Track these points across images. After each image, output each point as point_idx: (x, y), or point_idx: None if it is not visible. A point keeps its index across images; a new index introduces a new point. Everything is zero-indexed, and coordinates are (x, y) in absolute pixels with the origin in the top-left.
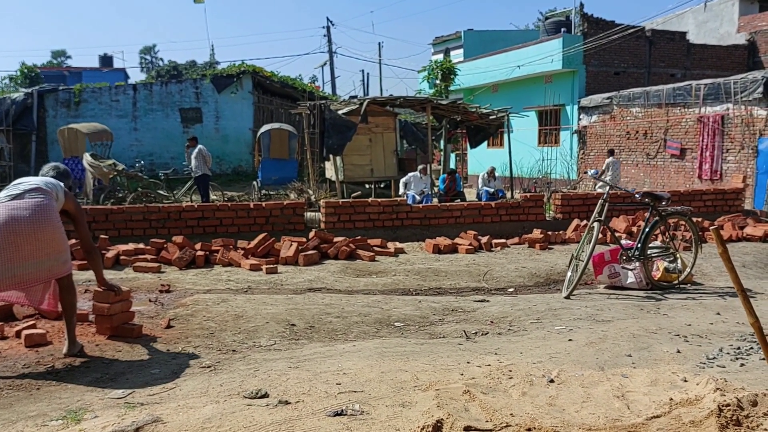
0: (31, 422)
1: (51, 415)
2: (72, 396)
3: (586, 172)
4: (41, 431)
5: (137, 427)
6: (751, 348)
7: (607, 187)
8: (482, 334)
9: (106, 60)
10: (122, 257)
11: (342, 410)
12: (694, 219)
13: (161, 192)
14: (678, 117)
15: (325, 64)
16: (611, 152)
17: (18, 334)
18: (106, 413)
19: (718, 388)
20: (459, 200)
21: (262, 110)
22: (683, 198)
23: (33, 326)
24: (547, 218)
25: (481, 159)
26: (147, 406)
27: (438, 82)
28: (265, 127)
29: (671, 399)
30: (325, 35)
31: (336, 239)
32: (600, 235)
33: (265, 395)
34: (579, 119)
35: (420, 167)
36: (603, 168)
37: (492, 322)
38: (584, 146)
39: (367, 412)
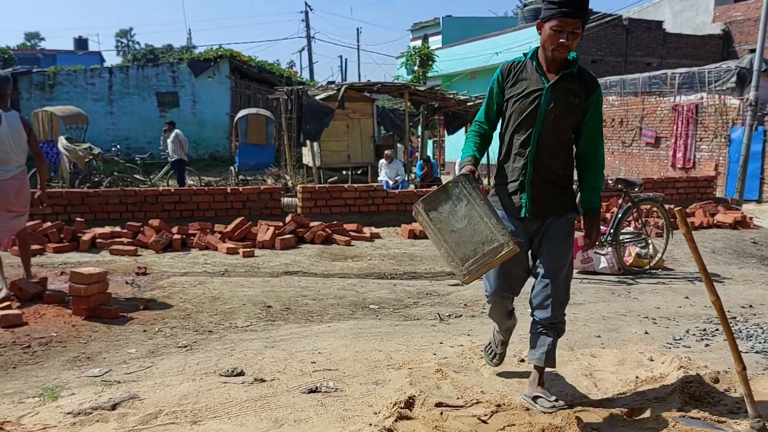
0: (7, 399)
1: (27, 392)
2: (48, 374)
3: None
4: (18, 408)
5: (114, 404)
6: (717, 330)
7: None
8: (456, 317)
9: (81, 43)
10: (98, 240)
11: (317, 387)
12: (666, 206)
13: (138, 176)
14: (653, 105)
15: (303, 49)
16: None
17: None
18: (83, 390)
19: (681, 366)
20: (436, 186)
21: (239, 95)
22: (656, 185)
23: (8, 307)
24: None
25: (458, 146)
26: (124, 383)
27: (416, 68)
28: (242, 112)
29: (637, 377)
30: (303, 20)
31: (312, 224)
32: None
33: (241, 373)
34: None
35: (386, 153)
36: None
37: (466, 305)
38: None
39: (341, 389)
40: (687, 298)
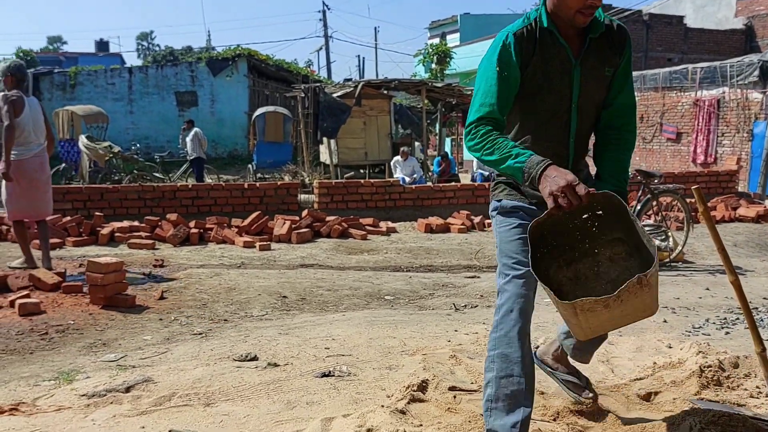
0: (23, 382)
1: (43, 376)
2: (65, 359)
3: None
4: (33, 390)
5: (128, 386)
6: (737, 318)
7: None
8: (471, 307)
9: (103, 45)
10: (117, 234)
11: (330, 372)
12: (687, 200)
13: (157, 174)
14: (674, 101)
15: (320, 48)
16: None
17: (12, 304)
18: (98, 374)
19: (700, 352)
20: (453, 183)
21: (257, 94)
22: (677, 180)
23: (27, 296)
24: None
25: None
26: (139, 368)
27: (434, 66)
28: (260, 110)
29: (655, 363)
30: (320, 20)
31: (328, 218)
32: None
33: (255, 358)
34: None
35: (401, 150)
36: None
37: (482, 296)
38: None
39: (354, 374)
40: (708, 289)
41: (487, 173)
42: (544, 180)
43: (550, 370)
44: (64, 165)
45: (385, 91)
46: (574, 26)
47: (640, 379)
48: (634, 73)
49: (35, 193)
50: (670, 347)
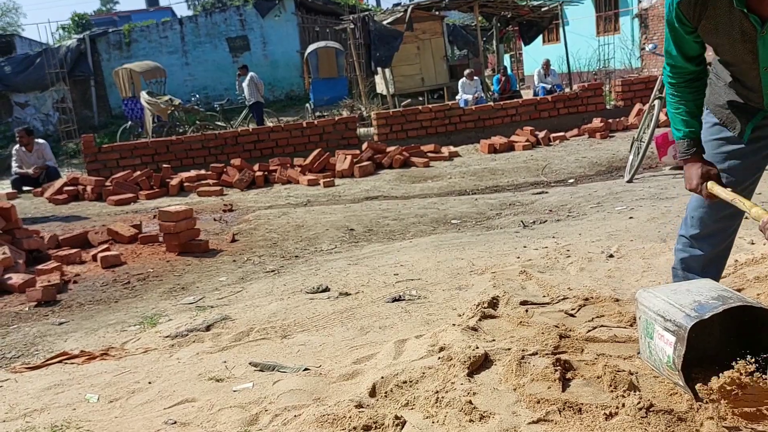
0: (111, 329)
1: (129, 321)
2: (147, 305)
3: (643, 48)
4: (120, 335)
5: (208, 325)
6: None
7: None
8: (540, 223)
9: (152, 0)
10: (186, 184)
11: (400, 296)
12: None
13: (219, 123)
14: None
15: None
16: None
17: (95, 258)
18: (179, 316)
19: None
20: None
21: (307, 31)
22: None
23: (107, 249)
24: (608, 107)
25: (536, 57)
26: (217, 308)
27: None
28: (311, 47)
29: (736, 260)
30: None
31: (389, 149)
32: (662, 116)
33: (326, 289)
34: (639, 1)
35: (466, 72)
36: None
37: (551, 210)
38: (647, 30)
39: (424, 297)
40: None
41: (549, 87)
42: (685, 171)
43: None
44: (130, 123)
45: (437, 12)
46: None
47: (723, 277)
48: None
49: None
50: (753, 243)
